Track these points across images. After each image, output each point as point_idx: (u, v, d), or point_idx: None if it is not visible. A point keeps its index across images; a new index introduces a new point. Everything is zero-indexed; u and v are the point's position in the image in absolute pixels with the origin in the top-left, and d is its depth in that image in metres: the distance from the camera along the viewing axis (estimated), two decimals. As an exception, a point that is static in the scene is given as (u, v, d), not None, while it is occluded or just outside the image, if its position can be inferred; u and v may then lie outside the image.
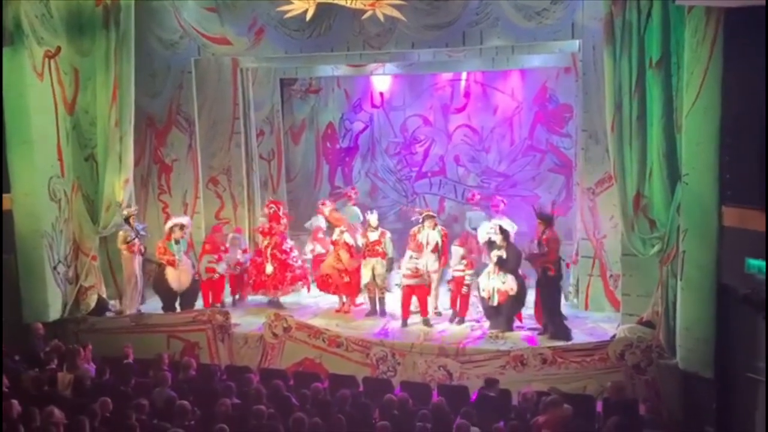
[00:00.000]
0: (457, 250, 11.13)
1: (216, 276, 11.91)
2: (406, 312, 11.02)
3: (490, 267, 10.53)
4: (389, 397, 7.95)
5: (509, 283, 10.39)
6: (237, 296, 12.37)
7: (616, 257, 10.64)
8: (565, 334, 10.39)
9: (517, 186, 14.64)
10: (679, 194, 9.09)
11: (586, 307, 11.49)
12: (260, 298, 12.21)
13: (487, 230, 10.83)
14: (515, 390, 8.76)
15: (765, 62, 7.68)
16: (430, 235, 11.08)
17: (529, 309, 10.97)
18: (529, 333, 10.57)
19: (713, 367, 8.82)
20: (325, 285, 11.81)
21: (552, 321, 10.48)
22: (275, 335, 10.61)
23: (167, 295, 11.73)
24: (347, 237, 11.69)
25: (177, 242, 11.60)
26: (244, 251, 12.43)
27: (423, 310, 11.03)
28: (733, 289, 8.20)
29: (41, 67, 10.90)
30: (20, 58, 10.60)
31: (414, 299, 11.04)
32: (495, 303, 10.50)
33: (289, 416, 7.24)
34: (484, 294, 10.52)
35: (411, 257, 10.90)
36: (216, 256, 11.91)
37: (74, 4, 11.30)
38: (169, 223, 11.79)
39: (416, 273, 10.84)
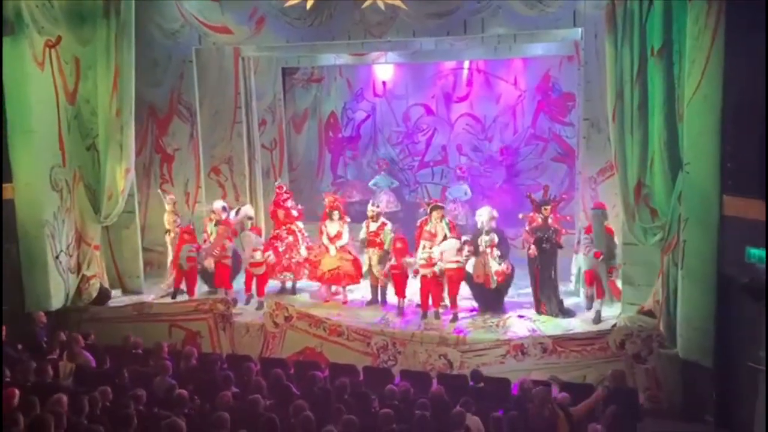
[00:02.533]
0: (452, 243, 10.82)
1: (194, 264, 11.84)
2: (425, 304, 10.94)
3: (483, 252, 10.55)
4: (390, 388, 7.97)
5: (505, 264, 10.62)
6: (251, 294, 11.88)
7: (617, 246, 10.59)
8: (568, 310, 10.67)
9: (520, 175, 14.61)
10: (680, 183, 9.06)
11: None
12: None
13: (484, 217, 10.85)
14: (515, 379, 8.78)
15: (766, 51, 7.63)
16: (438, 227, 11.02)
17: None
18: (529, 323, 10.55)
19: (713, 356, 8.81)
20: (336, 279, 11.75)
21: (556, 298, 10.72)
22: (276, 324, 10.65)
23: (204, 275, 12.15)
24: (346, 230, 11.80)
25: (216, 224, 11.88)
26: (264, 250, 11.68)
27: (435, 302, 10.97)
28: (734, 278, 8.19)
29: (42, 56, 10.89)
30: (21, 47, 10.58)
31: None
32: (494, 285, 10.58)
33: (289, 405, 7.25)
34: (480, 280, 10.52)
35: (425, 247, 10.81)
36: (195, 246, 11.81)
37: (75, -6, 11.29)
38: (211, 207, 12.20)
39: (431, 262, 10.74)
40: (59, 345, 9.54)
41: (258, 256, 11.58)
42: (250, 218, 12.15)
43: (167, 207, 12.33)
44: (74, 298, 11.58)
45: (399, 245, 11.14)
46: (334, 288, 11.90)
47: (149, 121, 12.81)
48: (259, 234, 12.17)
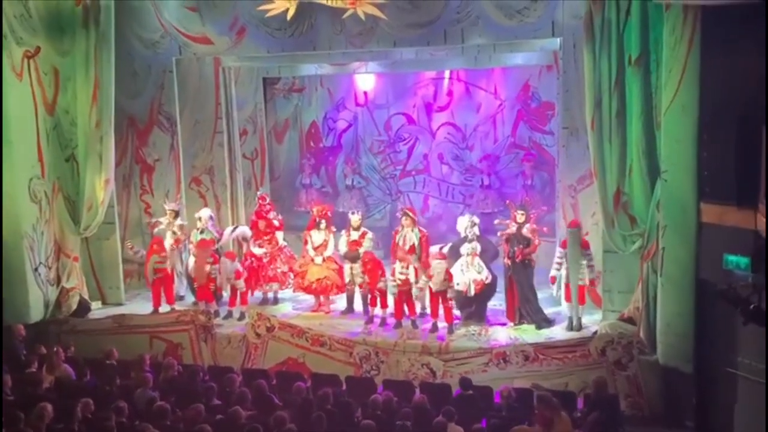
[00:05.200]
0: (439, 265, 10.60)
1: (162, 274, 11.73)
2: (399, 313, 10.92)
3: (463, 261, 10.56)
4: (373, 398, 7.95)
5: (485, 273, 10.57)
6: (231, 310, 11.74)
7: (598, 254, 10.68)
8: (547, 320, 10.64)
9: (500, 183, 14.66)
10: (658, 191, 9.17)
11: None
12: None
13: (464, 225, 10.85)
14: (498, 387, 8.80)
15: (762, 60, 7.69)
16: (407, 236, 10.98)
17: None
18: (511, 332, 10.56)
19: (693, 362, 8.90)
20: (324, 289, 11.63)
21: (534, 310, 10.67)
22: (258, 335, 10.61)
23: (189, 282, 12.09)
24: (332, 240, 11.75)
25: (202, 232, 11.72)
26: (237, 276, 11.53)
27: (411, 311, 10.98)
28: (712, 284, 8.27)
29: (20, 67, 10.83)
30: (-1, 58, 10.53)
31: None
32: (472, 294, 10.59)
33: (270, 416, 7.22)
34: (461, 288, 10.53)
35: (402, 268, 10.77)
36: (164, 255, 11.74)
37: (53, 4, 11.22)
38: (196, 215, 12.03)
39: (404, 284, 10.73)
40: (38, 358, 9.44)
41: (236, 283, 11.50)
42: (245, 240, 12.09)
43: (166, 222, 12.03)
44: (54, 310, 11.48)
45: (369, 266, 11.01)
46: (322, 298, 11.82)
47: (129, 132, 12.72)
48: (233, 259, 11.67)
